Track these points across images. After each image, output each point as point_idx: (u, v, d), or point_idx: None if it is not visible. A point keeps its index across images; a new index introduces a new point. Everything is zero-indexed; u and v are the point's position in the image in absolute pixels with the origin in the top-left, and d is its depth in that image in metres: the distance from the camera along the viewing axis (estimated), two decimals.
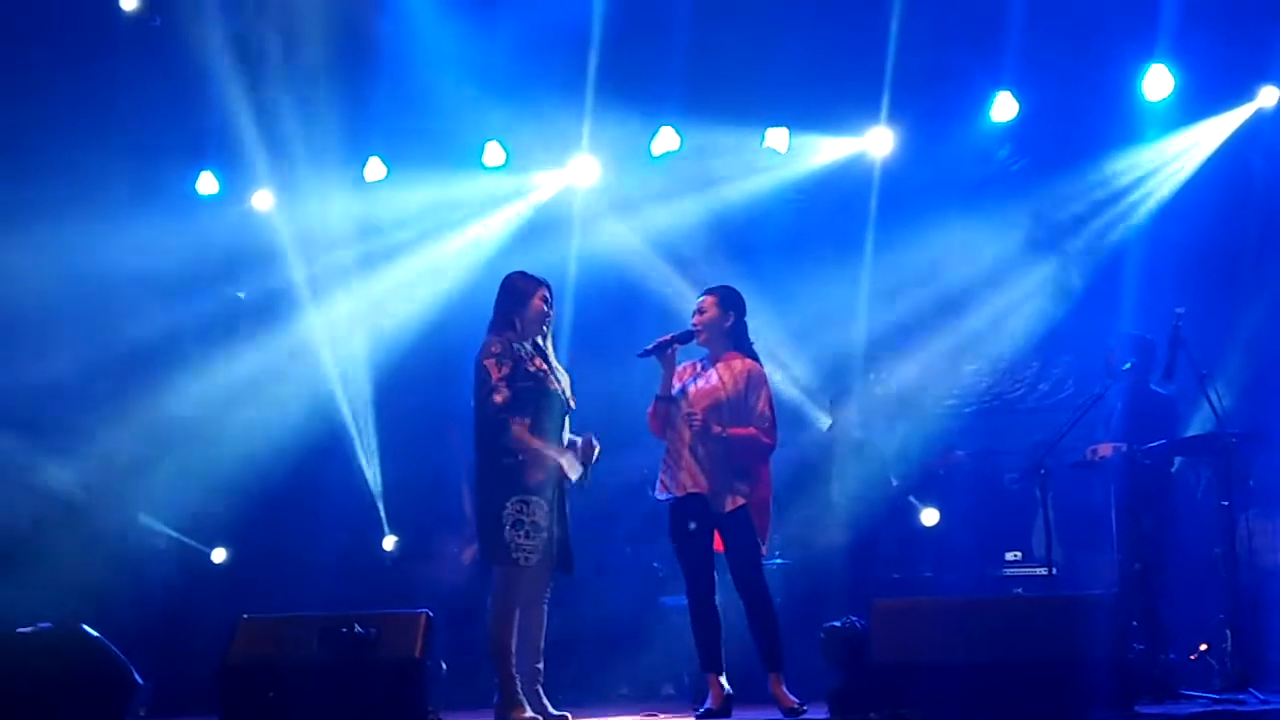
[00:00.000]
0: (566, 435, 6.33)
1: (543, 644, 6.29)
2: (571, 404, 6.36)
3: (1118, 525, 7.53)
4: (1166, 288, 8.74)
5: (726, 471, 6.34)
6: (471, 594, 9.39)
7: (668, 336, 6.44)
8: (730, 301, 6.57)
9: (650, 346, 6.40)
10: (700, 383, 6.44)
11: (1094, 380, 8.35)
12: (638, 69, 9.88)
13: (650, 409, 6.49)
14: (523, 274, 6.50)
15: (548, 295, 6.42)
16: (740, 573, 6.35)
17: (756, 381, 6.46)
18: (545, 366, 6.33)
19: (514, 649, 6.22)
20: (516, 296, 6.39)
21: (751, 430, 6.37)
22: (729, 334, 6.55)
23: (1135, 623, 6.97)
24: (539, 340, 6.40)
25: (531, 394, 6.26)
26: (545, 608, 6.31)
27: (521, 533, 6.15)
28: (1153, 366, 7.72)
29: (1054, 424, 8.98)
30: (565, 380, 6.39)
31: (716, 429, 6.31)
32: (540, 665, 6.31)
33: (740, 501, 6.33)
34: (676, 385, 6.46)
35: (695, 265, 10.14)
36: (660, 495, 6.47)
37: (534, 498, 6.19)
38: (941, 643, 5.74)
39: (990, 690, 5.54)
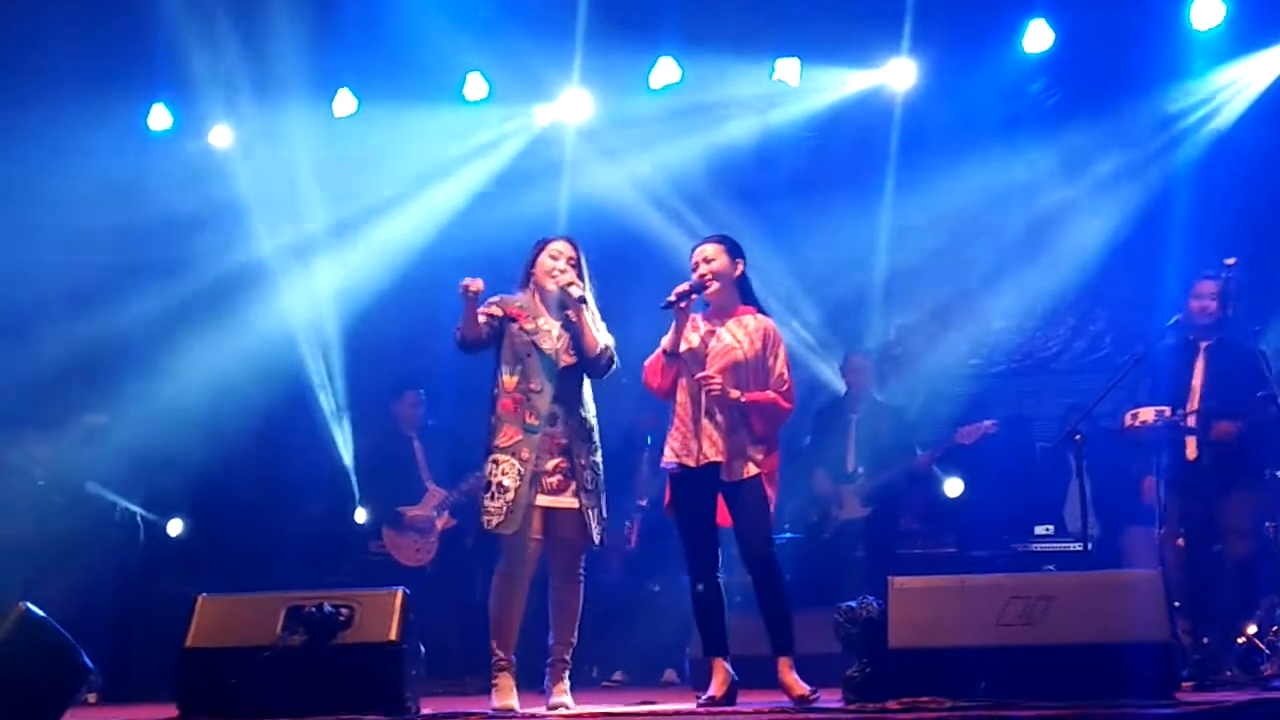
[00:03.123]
0: (547, 399, 6.33)
1: (509, 621, 6.29)
2: (561, 360, 6.37)
3: (1159, 497, 7.54)
4: (1216, 236, 8.73)
5: (743, 438, 6.33)
6: (450, 569, 9.48)
7: (685, 286, 6.39)
8: (737, 249, 6.53)
9: (672, 298, 6.35)
10: (714, 342, 6.41)
11: (1135, 337, 8.36)
12: None
13: (650, 362, 6.43)
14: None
15: (561, 250, 6.50)
16: (750, 547, 6.32)
17: (774, 340, 6.43)
18: (538, 326, 6.38)
19: (505, 623, 6.25)
20: (531, 252, 6.57)
21: (770, 395, 6.36)
22: (738, 286, 6.52)
23: (1177, 603, 6.99)
24: (564, 296, 6.42)
25: (521, 350, 6.38)
26: (523, 582, 6.32)
27: (489, 494, 6.27)
28: None
29: (1091, 386, 9.01)
30: (560, 339, 6.40)
31: (734, 394, 6.29)
32: (555, 643, 6.38)
33: (753, 470, 6.32)
34: (683, 344, 6.42)
35: (698, 210, 10.13)
36: (668, 464, 6.43)
37: (503, 456, 6.28)
38: (966, 625, 5.74)
39: (1019, 677, 5.54)
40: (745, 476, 6.31)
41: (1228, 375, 7.47)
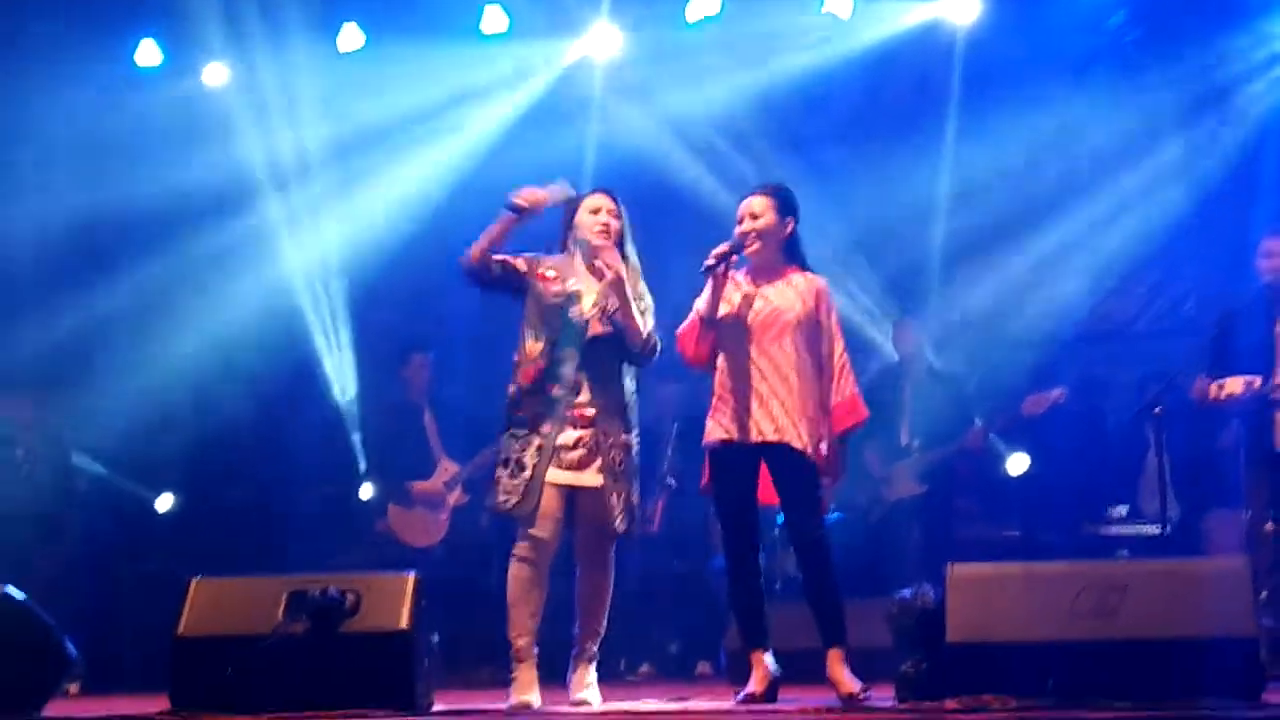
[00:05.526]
0: (573, 368, 6.34)
1: (529, 609, 6.30)
2: (591, 328, 6.36)
3: (1246, 476, 7.53)
4: None
5: (811, 410, 6.29)
6: (463, 550, 9.52)
7: (725, 246, 6.33)
8: (789, 204, 6.46)
9: (711, 261, 6.29)
10: (760, 304, 6.36)
11: (1220, 299, 8.31)
12: None
13: (685, 330, 6.41)
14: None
15: (600, 203, 6.45)
16: (801, 526, 6.31)
17: (828, 302, 6.40)
18: (567, 289, 6.37)
19: (524, 611, 6.28)
20: (566, 210, 6.52)
21: (848, 398, 6.37)
22: (786, 245, 6.48)
23: (1265, 594, 6.98)
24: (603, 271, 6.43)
25: (549, 314, 6.38)
26: (543, 567, 6.32)
27: (508, 471, 6.30)
28: None
29: (1171, 352, 8.99)
30: (596, 306, 6.39)
31: (822, 453, 6.31)
32: (580, 633, 6.42)
33: (823, 449, 6.32)
34: (723, 308, 6.39)
35: (738, 157, 10.11)
36: (712, 441, 6.37)
37: (522, 431, 6.30)
38: (1033, 617, 5.73)
39: (1091, 674, 5.53)
40: (810, 453, 6.28)
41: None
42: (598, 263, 6.39)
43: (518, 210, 6.28)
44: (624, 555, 6.60)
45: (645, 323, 6.39)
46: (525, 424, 6.30)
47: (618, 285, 6.29)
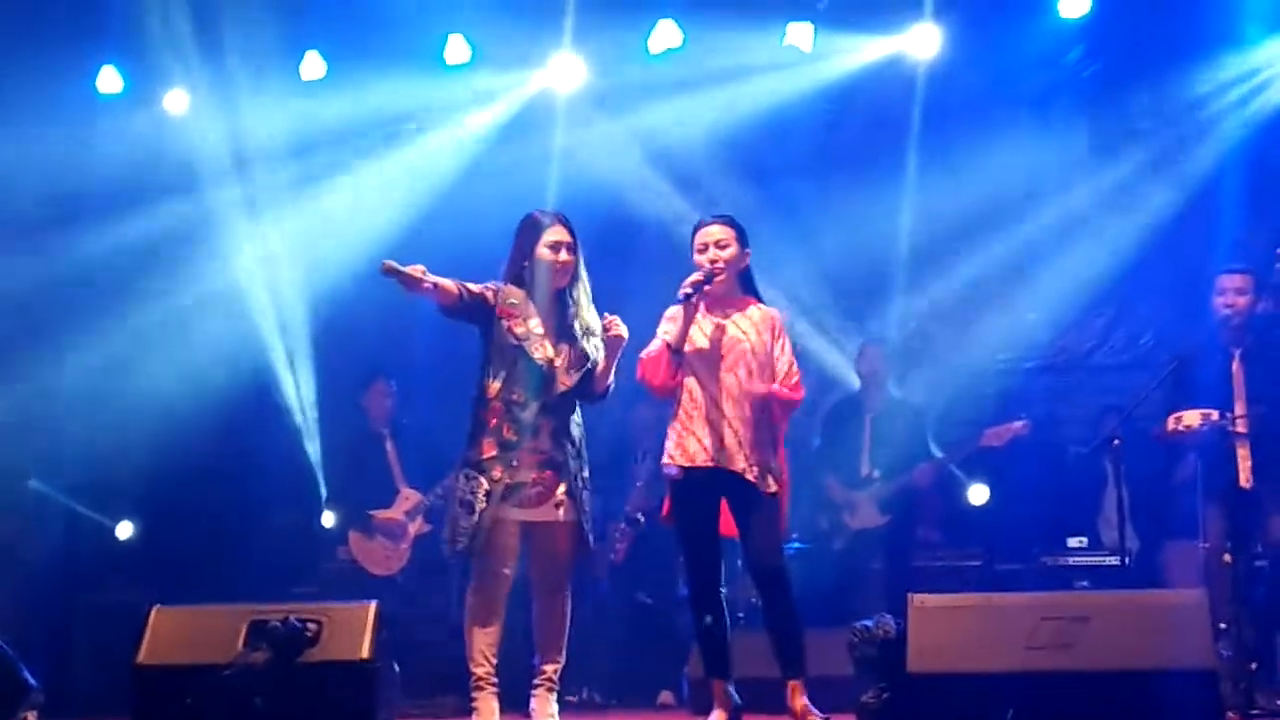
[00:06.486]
0: (532, 413, 6.34)
1: (488, 639, 6.31)
2: (562, 383, 6.38)
3: (1204, 508, 7.56)
4: (1272, 220, 8.73)
5: (765, 442, 6.34)
6: (423, 579, 9.49)
7: (699, 276, 6.35)
8: (745, 235, 6.53)
9: (689, 290, 6.30)
10: (719, 336, 6.37)
11: (1179, 332, 8.35)
12: None
13: (651, 357, 6.39)
14: (539, 211, 6.58)
15: (560, 237, 6.43)
16: (761, 558, 6.32)
17: (780, 332, 6.47)
18: (530, 330, 6.36)
19: (483, 641, 6.27)
20: (522, 236, 6.50)
21: (790, 391, 6.39)
22: (744, 275, 6.54)
23: (1223, 625, 7.00)
24: (562, 292, 6.46)
25: (509, 354, 6.36)
26: (500, 601, 6.33)
27: (463, 512, 6.30)
28: None
29: (1129, 384, 9.03)
30: (559, 352, 6.40)
31: (763, 389, 6.30)
32: (540, 662, 6.42)
33: (775, 487, 6.33)
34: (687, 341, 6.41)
35: (700, 188, 10.13)
36: (671, 468, 6.37)
37: (474, 472, 6.30)
38: (993, 648, 5.76)
39: (1051, 706, 5.57)
40: (769, 490, 6.31)
41: (1271, 379, 7.48)
42: (563, 281, 6.42)
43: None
44: (587, 585, 6.59)
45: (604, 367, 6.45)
46: (477, 465, 6.30)
47: (617, 347, 6.37)
